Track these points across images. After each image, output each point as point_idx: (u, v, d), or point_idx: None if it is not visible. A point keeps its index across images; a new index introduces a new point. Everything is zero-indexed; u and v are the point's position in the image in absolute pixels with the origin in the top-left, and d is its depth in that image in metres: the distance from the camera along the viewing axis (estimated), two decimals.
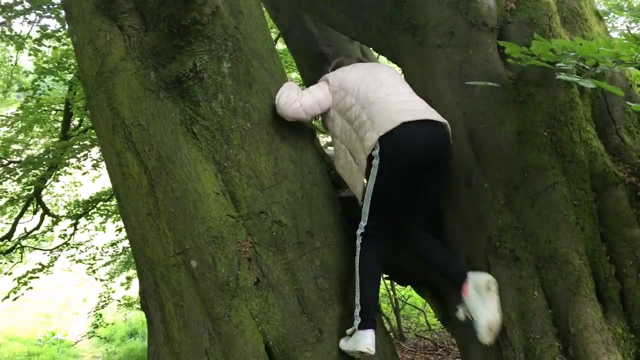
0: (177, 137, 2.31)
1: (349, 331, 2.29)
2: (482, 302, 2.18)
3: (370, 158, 2.24)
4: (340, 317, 2.35)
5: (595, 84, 1.65)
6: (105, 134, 2.40)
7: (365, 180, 2.32)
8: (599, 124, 2.42)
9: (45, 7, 5.49)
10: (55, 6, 5.64)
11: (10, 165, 6.81)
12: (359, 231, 2.36)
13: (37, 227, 7.95)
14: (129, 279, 8.77)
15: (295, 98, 2.39)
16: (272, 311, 2.24)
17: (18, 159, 7.14)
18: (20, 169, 6.48)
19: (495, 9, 2.47)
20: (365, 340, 2.17)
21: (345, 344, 2.26)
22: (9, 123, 7.12)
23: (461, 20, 2.49)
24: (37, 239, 8.29)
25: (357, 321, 2.24)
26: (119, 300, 8.59)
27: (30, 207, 7.80)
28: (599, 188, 2.28)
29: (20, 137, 7.28)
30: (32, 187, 6.94)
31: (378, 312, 2.48)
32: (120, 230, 7.98)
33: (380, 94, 2.32)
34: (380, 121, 2.21)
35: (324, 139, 8.67)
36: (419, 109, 2.28)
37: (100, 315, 8.27)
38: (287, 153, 2.46)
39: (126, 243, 8.17)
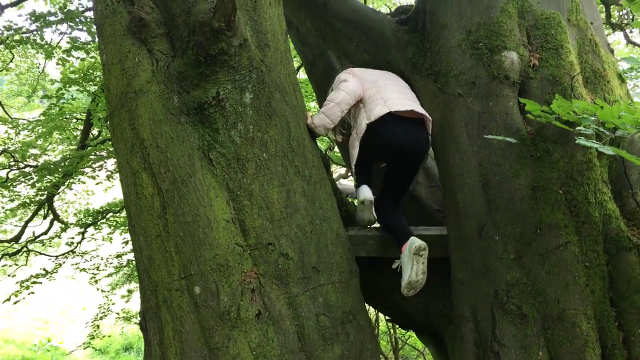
0: (194, 161, 2.33)
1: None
2: (411, 263, 2.54)
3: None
4: (339, 358, 2.31)
5: (614, 152, 1.64)
6: (124, 152, 2.43)
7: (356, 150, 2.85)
8: (615, 186, 2.40)
9: (78, 19, 5.63)
10: (88, 19, 5.80)
11: (26, 169, 6.89)
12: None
13: (46, 232, 8.00)
14: (130, 291, 8.74)
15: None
16: (271, 345, 2.21)
17: (35, 163, 7.24)
18: (36, 173, 6.55)
19: (518, 64, 2.49)
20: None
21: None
22: (30, 127, 7.24)
23: (483, 71, 2.51)
24: (44, 244, 8.33)
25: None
26: (117, 313, 8.55)
27: (41, 212, 7.86)
28: (612, 251, 2.25)
29: (39, 142, 7.39)
30: (45, 192, 7.01)
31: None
32: (126, 242, 8.00)
33: (395, 87, 2.85)
34: (392, 104, 2.71)
35: (337, 171, 8.69)
36: (417, 108, 2.78)
37: (98, 326, 8.22)
38: (300, 187, 2.46)
39: (131, 256, 8.18)
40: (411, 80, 2.89)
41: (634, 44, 7.77)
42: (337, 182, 3.43)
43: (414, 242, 2.58)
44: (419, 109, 2.75)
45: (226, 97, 2.34)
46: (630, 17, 6.80)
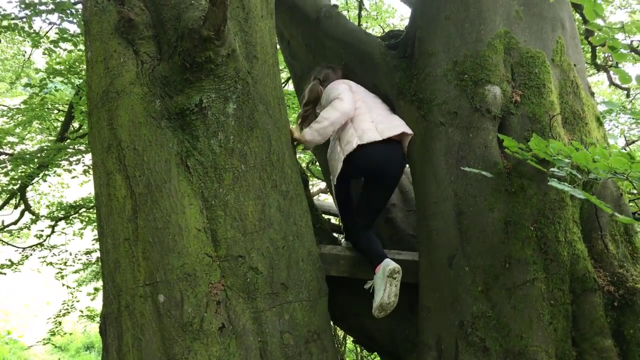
0: (170, 167, 2.30)
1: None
2: (384, 285, 2.51)
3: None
4: None
5: (585, 196, 1.67)
6: (100, 152, 2.39)
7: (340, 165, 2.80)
8: (585, 227, 2.44)
9: (68, 11, 5.57)
10: (79, 12, 5.74)
11: (1, 157, 6.75)
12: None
13: (15, 222, 7.82)
14: (96, 289, 8.56)
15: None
16: None
17: (10, 151, 7.09)
18: (11, 162, 6.41)
19: (501, 99, 2.53)
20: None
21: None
22: (9, 114, 7.10)
23: (466, 103, 2.54)
24: (12, 235, 8.13)
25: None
26: (81, 311, 8.36)
27: (13, 201, 7.68)
28: (577, 291, 2.28)
29: (18, 130, 7.25)
30: (19, 181, 6.86)
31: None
32: (97, 239, 7.85)
33: (382, 109, 2.91)
34: (384, 130, 2.73)
35: (317, 185, 8.68)
36: (406, 128, 2.80)
37: (60, 323, 8.03)
38: (276, 201, 2.45)
39: None
40: (395, 104, 2.91)
41: (617, 85, 7.95)
42: (315, 197, 3.42)
43: (389, 264, 2.57)
44: (406, 129, 2.78)
45: (209, 106, 2.32)
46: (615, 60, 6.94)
